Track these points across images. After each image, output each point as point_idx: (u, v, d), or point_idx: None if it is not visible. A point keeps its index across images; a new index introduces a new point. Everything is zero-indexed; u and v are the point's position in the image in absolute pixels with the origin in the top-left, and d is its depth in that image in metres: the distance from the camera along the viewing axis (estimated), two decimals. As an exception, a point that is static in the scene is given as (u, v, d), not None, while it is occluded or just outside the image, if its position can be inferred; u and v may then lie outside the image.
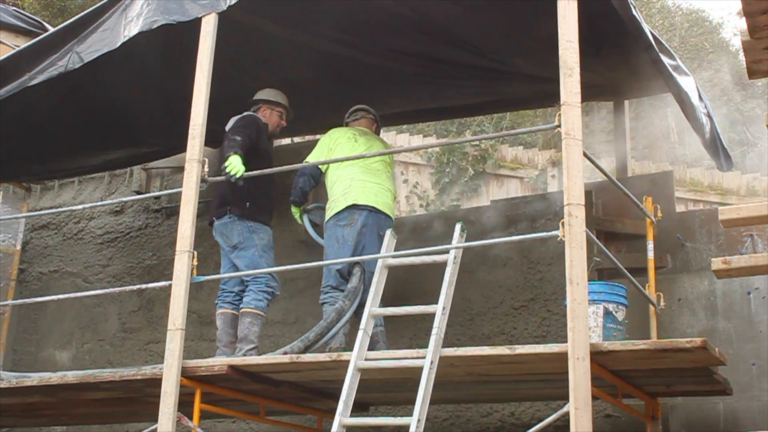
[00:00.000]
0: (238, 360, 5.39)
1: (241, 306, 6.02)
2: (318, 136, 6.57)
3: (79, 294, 7.37)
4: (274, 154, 6.93)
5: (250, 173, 5.77)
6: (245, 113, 6.38)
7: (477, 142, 11.53)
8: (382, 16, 5.91)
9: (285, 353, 5.43)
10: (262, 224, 6.20)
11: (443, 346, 4.76)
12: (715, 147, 5.76)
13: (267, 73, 6.70)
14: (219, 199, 6.21)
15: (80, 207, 7.80)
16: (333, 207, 6.12)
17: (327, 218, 6.15)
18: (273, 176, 6.23)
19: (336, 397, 4.90)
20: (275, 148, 7.46)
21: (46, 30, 7.84)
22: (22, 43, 7.34)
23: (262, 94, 6.53)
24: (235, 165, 5.79)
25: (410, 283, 6.71)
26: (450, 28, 6.02)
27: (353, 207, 6.04)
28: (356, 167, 6.13)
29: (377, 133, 6.68)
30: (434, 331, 4.78)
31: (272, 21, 6.15)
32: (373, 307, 5.20)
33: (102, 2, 5.97)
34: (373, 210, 6.05)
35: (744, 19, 3.85)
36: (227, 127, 6.32)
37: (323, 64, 6.61)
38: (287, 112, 6.58)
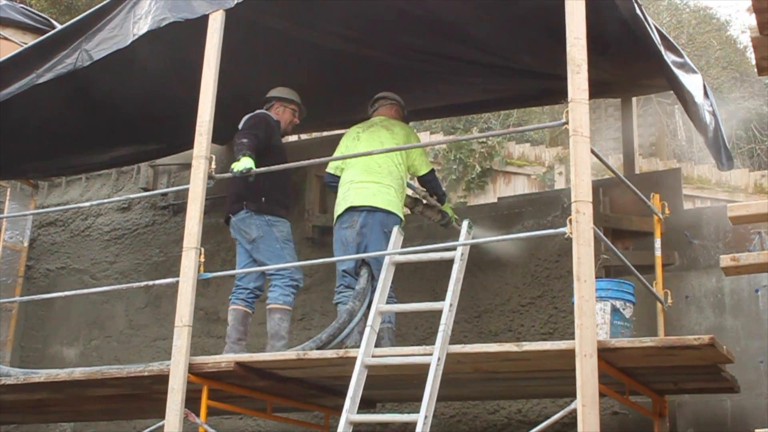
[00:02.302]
0: (245, 357, 5.39)
1: (268, 302, 6.00)
2: (325, 134, 6.56)
3: (86, 291, 7.41)
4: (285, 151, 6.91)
5: (260, 169, 5.75)
6: (256, 111, 6.38)
7: (484, 139, 11.52)
8: (389, 13, 5.90)
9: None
10: (279, 217, 6.18)
11: (450, 343, 4.76)
12: (717, 146, 5.68)
13: (274, 70, 6.69)
14: (234, 197, 6.18)
15: (87, 204, 7.81)
16: (336, 210, 6.12)
17: (334, 222, 6.16)
18: (287, 172, 6.22)
19: (343, 393, 4.91)
20: (285, 144, 7.46)
21: (53, 27, 7.84)
22: (30, 41, 7.35)
23: (275, 92, 6.52)
24: (240, 165, 5.75)
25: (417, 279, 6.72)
26: (458, 25, 6.01)
27: (352, 209, 6.01)
28: (355, 169, 6.10)
29: (402, 117, 6.54)
30: (441, 328, 4.77)
31: (279, 18, 6.14)
32: (380, 304, 5.20)
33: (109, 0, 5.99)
34: (372, 209, 6.00)
35: (754, 15, 3.84)
36: (240, 126, 6.33)
37: (330, 61, 6.60)
38: (300, 109, 6.58)
